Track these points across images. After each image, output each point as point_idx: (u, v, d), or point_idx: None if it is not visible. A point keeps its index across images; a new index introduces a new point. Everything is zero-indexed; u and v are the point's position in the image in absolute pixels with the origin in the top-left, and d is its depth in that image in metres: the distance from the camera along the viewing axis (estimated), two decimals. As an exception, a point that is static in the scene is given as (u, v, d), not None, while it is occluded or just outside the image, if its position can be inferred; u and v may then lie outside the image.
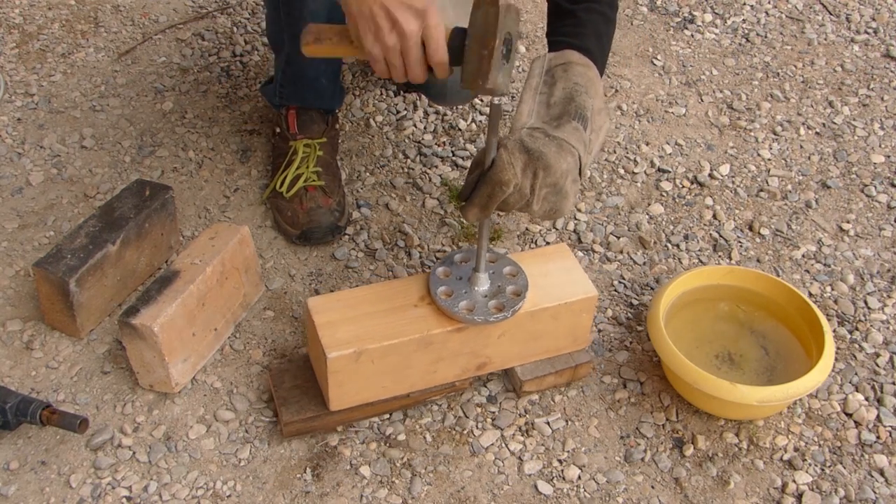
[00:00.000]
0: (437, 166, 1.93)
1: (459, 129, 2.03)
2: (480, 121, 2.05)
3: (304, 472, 1.39)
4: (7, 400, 1.37)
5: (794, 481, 1.41)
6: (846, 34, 2.41)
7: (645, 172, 1.96)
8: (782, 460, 1.45)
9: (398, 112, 2.07)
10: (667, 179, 1.94)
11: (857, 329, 1.65)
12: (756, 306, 1.60)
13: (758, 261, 1.78)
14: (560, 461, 1.43)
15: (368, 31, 1.18)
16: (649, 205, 1.88)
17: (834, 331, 1.64)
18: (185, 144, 1.95)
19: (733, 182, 1.95)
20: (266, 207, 1.82)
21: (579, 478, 1.41)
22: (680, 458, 1.44)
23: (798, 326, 1.55)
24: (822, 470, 1.44)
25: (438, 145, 1.98)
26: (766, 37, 2.39)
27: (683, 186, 1.93)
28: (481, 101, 2.08)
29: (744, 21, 2.44)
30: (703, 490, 1.40)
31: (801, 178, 1.97)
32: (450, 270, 1.42)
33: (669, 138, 2.05)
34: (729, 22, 2.43)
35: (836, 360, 1.57)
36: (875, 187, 1.95)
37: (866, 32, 2.42)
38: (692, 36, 2.38)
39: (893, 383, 1.56)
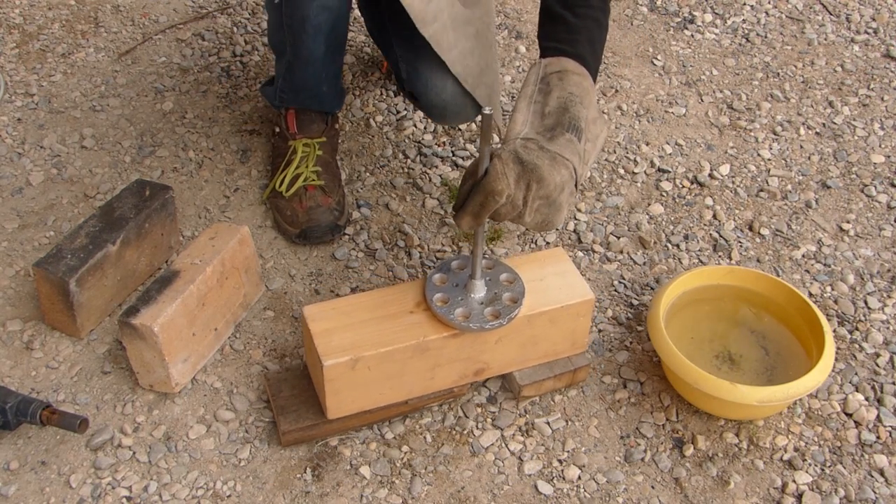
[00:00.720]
0: (437, 166, 1.93)
1: (459, 129, 2.03)
2: (480, 121, 2.05)
3: (304, 472, 1.39)
4: (7, 400, 1.37)
5: (794, 481, 1.41)
6: (846, 34, 2.41)
7: (645, 172, 1.96)
8: (782, 460, 1.45)
9: (398, 112, 2.07)
10: (667, 179, 1.94)
11: (857, 329, 1.65)
12: (756, 306, 1.60)
13: (758, 261, 1.78)
14: (560, 461, 1.43)
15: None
16: (649, 205, 1.88)
17: (834, 331, 1.64)
18: (185, 144, 1.96)
19: (733, 182, 1.95)
20: (266, 207, 1.82)
21: (579, 478, 1.41)
22: (680, 458, 1.44)
23: (798, 326, 1.55)
24: (822, 470, 1.44)
25: (438, 145, 1.98)
26: (766, 37, 2.39)
27: (683, 186, 1.93)
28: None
29: (744, 21, 2.44)
30: (703, 490, 1.40)
31: (801, 178, 1.97)
32: (446, 277, 1.41)
33: (669, 138, 2.05)
34: (729, 22, 2.43)
35: (836, 360, 1.57)
36: (875, 187, 1.95)
37: (866, 32, 2.42)
38: (692, 36, 2.38)
39: (893, 383, 1.56)
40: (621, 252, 1.78)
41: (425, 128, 2.02)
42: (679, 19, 2.43)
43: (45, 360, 1.53)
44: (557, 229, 1.81)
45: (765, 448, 1.46)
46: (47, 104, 2.04)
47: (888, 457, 1.45)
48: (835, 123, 2.12)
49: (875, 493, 1.40)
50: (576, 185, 1.29)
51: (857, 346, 1.62)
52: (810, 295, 1.71)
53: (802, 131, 2.10)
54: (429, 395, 1.44)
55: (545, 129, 1.29)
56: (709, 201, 1.90)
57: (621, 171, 1.96)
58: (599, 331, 1.63)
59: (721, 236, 1.82)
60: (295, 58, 1.70)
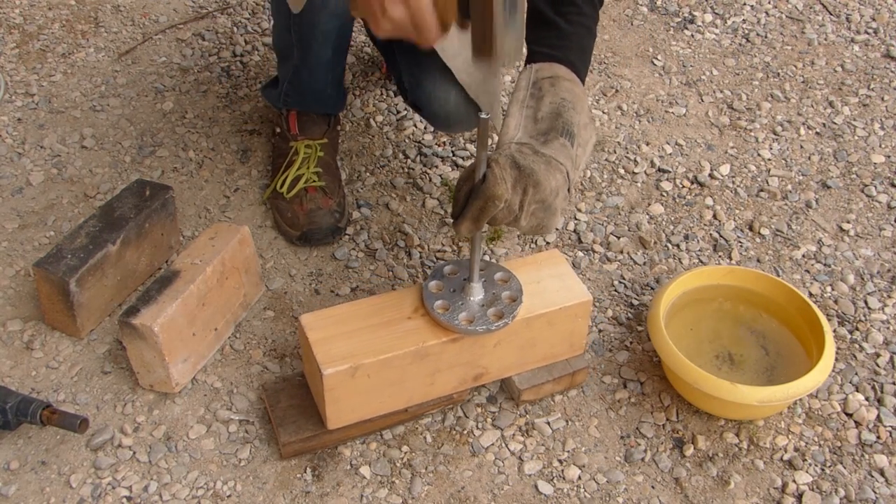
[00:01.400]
0: (437, 166, 1.93)
1: (459, 129, 2.03)
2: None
3: (304, 472, 1.39)
4: (7, 400, 1.37)
5: (794, 481, 1.41)
6: (846, 34, 2.41)
7: (645, 172, 1.96)
8: (782, 460, 1.45)
9: (398, 112, 2.07)
10: (667, 179, 1.94)
11: (857, 329, 1.65)
12: (756, 306, 1.60)
13: (758, 261, 1.78)
14: (560, 461, 1.43)
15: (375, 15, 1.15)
16: (649, 205, 1.88)
17: (834, 331, 1.64)
18: (185, 144, 1.96)
19: (733, 182, 1.95)
20: (266, 208, 1.82)
21: (579, 478, 1.41)
22: (680, 458, 1.44)
23: (798, 326, 1.55)
24: (823, 470, 1.44)
25: (438, 145, 1.98)
26: (766, 37, 2.39)
27: (683, 186, 1.93)
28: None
29: (744, 21, 2.44)
30: (704, 490, 1.40)
31: (801, 178, 1.97)
32: (442, 284, 1.40)
33: (669, 138, 2.05)
34: (729, 22, 2.43)
35: (836, 360, 1.57)
36: (875, 187, 1.95)
37: (866, 32, 2.42)
38: (692, 36, 2.38)
39: (894, 383, 1.56)
40: (621, 252, 1.78)
41: (425, 128, 2.02)
42: (679, 19, 2.43)
43: (46, 360, 1.53)
44: (557, 229, 1.81)
45: (765, 448, 1.46)
46: (47, 104, 2.04)
47: (888, 457, 1.45)
48: (835, 123, 2.12)
49: (875, 493, 1.40)
50: (568, 190, 1.29)
51: (857, 346, 1.62)
52: (810, 295, 1.71)
53: (803, 131, 2.10)
54: (428, 402, 1.43)
55: (538, 133, 1.29)
56: (709, 201, 1.90)
57: (621, 171, 1.96)
58: (599, 331, 1.63)
59: (721, 236, 1.82)
60: (302, 63, 1.70)
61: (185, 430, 1.44)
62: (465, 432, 1.46)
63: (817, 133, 2.10)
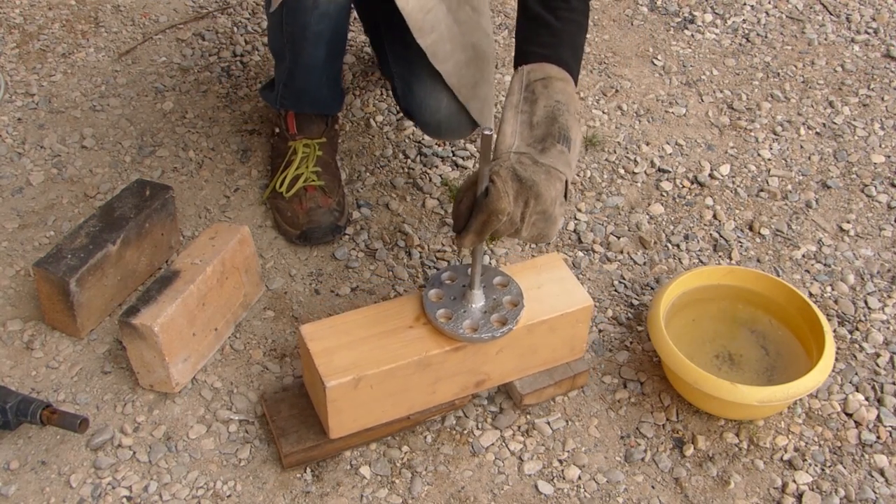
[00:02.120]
0: (437, 166, 1.93)
1: (460, 129, 2.03)
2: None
3: (304, 472, 1.39)
4: (7, 400, 1.37)
5: (794, 481, 1.41)
6: (846, 34, 2.41)
7: (645, 172, 1.96)
8: (782, 460, 1.45)
9: (398, 112, 2.06)
10: (667, 179, 1.94)
11: (857, 329, 1.65)
12: (756, 306, 1.60)
13: (758, 261, 1.78)
14: (560, 461, 1.43)
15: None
16: (649, 205, 1.88)
17: (834, 331, 1.64)
18: (185, 144, 1.96)
19: (733, 182, 1.95)
20: (266, 207, 1.82)
21: (579, 478, 1.41)
22: (680, 458, 1.44)
23: (798, 326, 1.55)
24: (823, 470, 1.44)
25: (438, 145, 1.98)
26: (766, 37, 2.39)
27: (684, 186, 1.93)
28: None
29: (744, 21, 2.44)
30: (704, 490, 1.40)
31: (801, 178, 1.97)
32: (442, 292, 1.40)
33: (670, 138, 2.05)
34: (729, 22, 2.43)
35: (836, 360, 1.57)
36: (875, 187, 1.95)
37: (866, 32, 2.42)
38: (692, 36, 2.38)
39: (894, 383, 1.56)
40: (621, 252, 1.78)
41: (425, 128, 2.03)
42: (679, 19, 2.43)
43: (46, 359, 1.53)
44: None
45: (765, 448, 1.46)
46: (47, 104, 2.04)
47: (888, 457, 1.45)
48: (835, 123, 2.12)
49: (875, 493, 1.40)
50: (566, 196, 1.29)
51: (857, 346, 1.62)
52: (810, 295, 1.71)
53: (803, 131, 2.10)
54: (430, 408, 1.43)
55: (535, 140, 1.28)
56: (709, 201, 1.90)
57: (621, 171, 1.96)
58: (600, 331, 1.63)
59: (721, 236, 1.82)
60: (295, 65, 1.70)
61: (185, 430, 1.44)
62: (465, 432, 1.46)
63: (817, 133, 2.10)
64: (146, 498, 1.35)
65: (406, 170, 1.92)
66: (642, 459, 1.44)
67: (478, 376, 1.42)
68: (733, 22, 2.43)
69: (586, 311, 1.44)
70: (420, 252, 1.75)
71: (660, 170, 1.96)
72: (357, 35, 2.27)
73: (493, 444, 1.44)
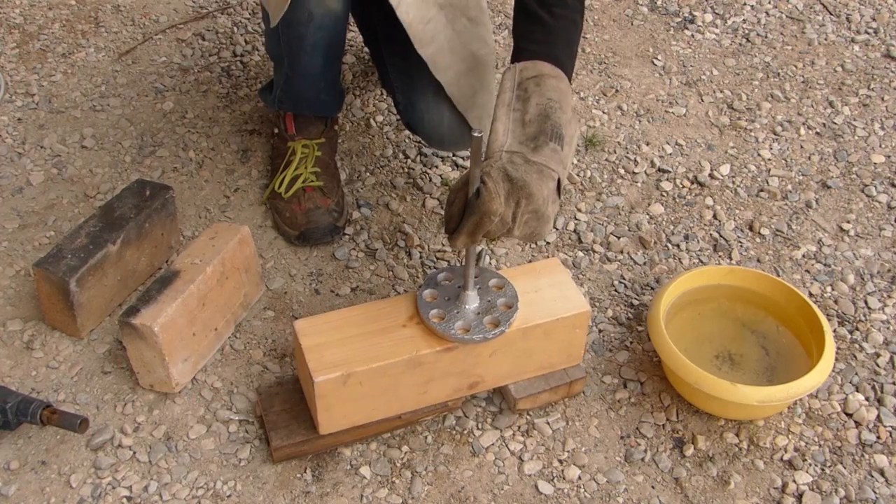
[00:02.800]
0: (437, 166, 1.93)
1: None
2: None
3: (304, 472, 1.39)
4: (7, 400, 1.37)
5: (794, 481, 1.41)
6: (846, 34, 2.41)
7: (645, 172, 1.96)
8: (782, 460, 1.45)
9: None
10: (667, 179, 1.94)
11: (857, 329, 1.65)
12: (756, 306, 1.60)
13: (758, 261, 1.78)
14: (560, 461, 1.43)
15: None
16: (649, 205, 1.88)
17: (834, 331, 1.64)
18: (185, 144, 1.96)
19: (733, 182, 1.95)
20: (266, 208, 1.82)
21: (579, 478, 1.41)
22: (680, 458, 1.44)
23: (798, 326, 1.55)
24: (823, 470, 1.44)
25: (439, 145, 1.98)
26: (766, 37, 2.39)
27: (684, 186, 1.93)
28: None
29: (744, 21, 2.44)
30: (704, 490, 1.40)
31: (801, 178, 1.97)
32: (436, 293, 1.40)
33: (670, 138, 2.05)
34: (729, 22, 2.43)
35: (836, 360, 1.57)
36: (875, 187, 1.95)
37: (867, 32, 2.42)
38: (692, 36, 2.38)
39: (894, 383, 1.56)
40: (621, 252, 1.78)
41: (425, 128, 2.03)
42: (679, 19, 2.43)
43: (46, 359, 1.53)
44: (557, 229, 1.81)
45: (765, 448, 1.46)
46: (47, 104, 2.04)
47: (888, 457, 1.45)
48: (835, 123, 2.12)
49: (875, 493, 1.40)
50: (559, 194, 1.29)
51: (857, 346, 1.62)
52: (810, 295, 1.71)
53: (803, 131, 2.10)
54: (422, 409, 1.43)
55: (528, 138, 1.28)
56: (709, 201, 1.90)
57: (621, 171, 1.96)
58: (600, 331, 1.63)
59: (721, 236, 1.82)
60: (293, 71, 1.70)
61: (185, 430, 1.44)
62: (465, 432, 1.46)
63: (817, 133, 2.10)
64: (146, 498, 1.35)
65: (406, 170, 1.92)
66: (642, 459, 1.44)
67: (470, 378, 1.42)
68: (733, 22, 2.43)
69: (583, 318, 1.43)
70: (420, 252, 1.75)
71: (660, 170, 1.96)
72: (357, 35, 2.27)
73: (493, 445, 1.44)
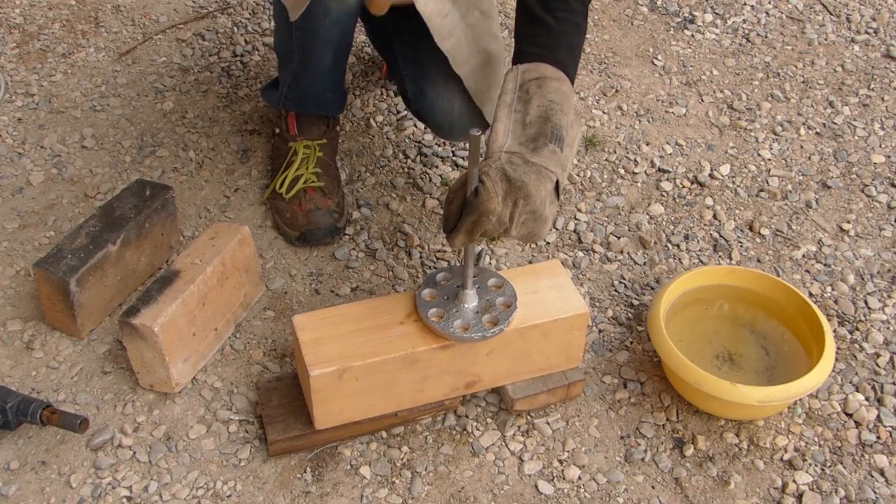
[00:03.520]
0: (437, 166, 1.93)
1: (460, 129, 2.03)
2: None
3: (304, 472, 1.39)
4: (7, 400, 1.37)
5: (794, 481, 1.41)
6: (846, 34, 2.41)
7: (645, 172, 1.96)
8: (782, 460, 1.45)
9: (398, 112, 2.07)
10: (667, 179, 1.94)
11: (857, 329, 1.65)
12: (756, 306, 1.60)
13: (758, 261, 1.78)
14: (560, 461, 1.43)
15: None
16: (649, 205, 1.88)
17: (834, 331, 1.64)
18: (185, 144, 1.96)
19: (733, 182, 1.95)
20: (266, 208, 1.82)
21: (579, 478, 1.41)
22: (680, 458, 1.44)
23: (798, 326, 1.55)
24: (823, 470, 1.44)
25: (438, 145, 1.98)
26: (766, 37, 2.39)
27: (684, 186, 1.93)
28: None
29: (744, 21, 2.44)
30: (704, 490, 1.40)
31: (801, 178, 1.97)
32: (435, 292, 1.40)
33: (670, 138, 2.05)
34: (729, 22, 2.43)
35: (836, 360, 1.57)
36: (875, 187, 1.95)
37: (867, 32, 2.42)
38: (692, 36, 2.38)
39: (894, 383, 1.56)
40: (621, 252, 1.78)
41: (425, 128, 2.02)
42: (679, 19, 2.43)
43: (46, 359, 1.53)
44: (557, 229, 1.81)
45: (765, 448, 1.46)
46: (48, 104, 2.04)
47: (888, 457, 1.45)
48: (835, 123, 2.12)
49: (875, 493, 1.40)
50: (558, 196, 1.29)
51: (857, 346, 1.62)
52: (810, 295, 1.71)
53: (803, 131, 2.10)
54: (419, 406, 1.43)
55: (528, 139, 1.28)
56: (709, 201, 1.90)
57: (621, 171, 1.96)
58: (600, 331, 1.63)
59: (721, 236, 1.82)
60: (303, 68, 1.70)
61: (185, 430, 1.44)
62: (465, 432, 1.46)
63: (817, 133, 2.10)
64: (146, 498, 1.35)
65: (406, 170, 1.93)
66: (642, 459, 1.44)
67: (468, 377, 1.42)
68: (733, 22, 2.43)
69: (581, 319, 1.43)
70: (420, 252, 1.75)
71: (660, 170, 1.96)
72: (357, 35, 2.27)
73: (493, 444, 1.44)
